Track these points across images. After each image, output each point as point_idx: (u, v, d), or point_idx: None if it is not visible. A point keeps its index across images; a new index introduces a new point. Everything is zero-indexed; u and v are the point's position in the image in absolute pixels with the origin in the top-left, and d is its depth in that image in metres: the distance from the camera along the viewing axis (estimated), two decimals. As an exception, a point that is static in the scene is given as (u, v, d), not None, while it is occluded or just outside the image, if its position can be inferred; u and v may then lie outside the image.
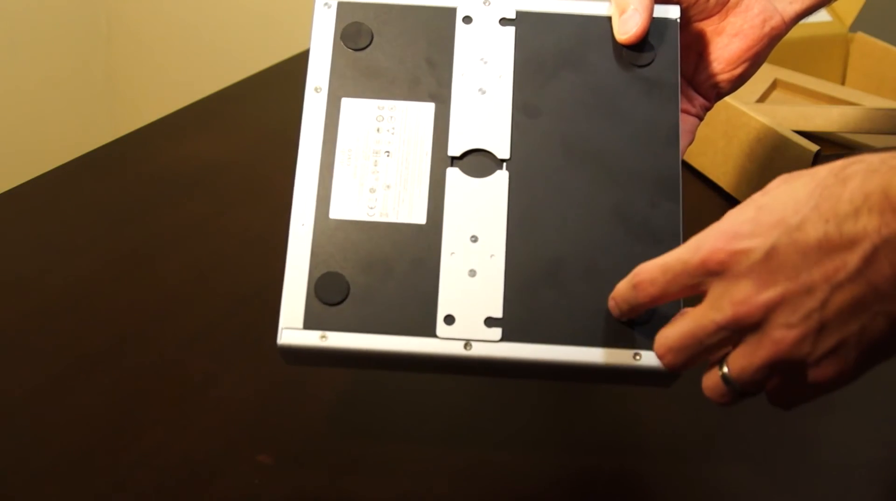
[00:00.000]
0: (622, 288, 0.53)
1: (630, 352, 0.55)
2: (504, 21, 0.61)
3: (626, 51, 0.61)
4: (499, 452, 0.64)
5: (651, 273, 0.50)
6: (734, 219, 0.48)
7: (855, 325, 0.45)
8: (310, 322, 0.55)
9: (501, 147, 0.59)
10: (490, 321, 0.56)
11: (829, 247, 0.45)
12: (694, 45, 0.65)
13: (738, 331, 0.47)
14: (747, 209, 0.48)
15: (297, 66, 1.20)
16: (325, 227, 0.57)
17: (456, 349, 0.55)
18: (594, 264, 0.57)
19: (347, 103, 0.60)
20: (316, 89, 0.60)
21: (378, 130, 0.59)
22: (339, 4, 0.61)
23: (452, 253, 0.57)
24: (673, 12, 0.62)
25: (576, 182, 0.58)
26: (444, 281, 0.56)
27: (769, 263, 0.46)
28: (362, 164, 0.58)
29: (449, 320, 0.56)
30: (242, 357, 0.71)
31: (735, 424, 0.67)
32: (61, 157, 0.98)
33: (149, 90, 2.07)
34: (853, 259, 0.44)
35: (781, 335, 0.46)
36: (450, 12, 0.61)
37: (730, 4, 0.64)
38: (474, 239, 0.57)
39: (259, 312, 0.74)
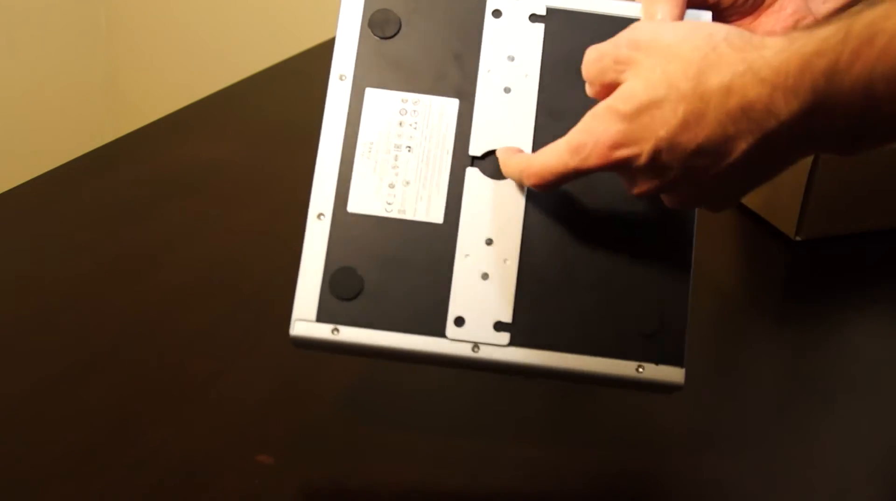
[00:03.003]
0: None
1: (633, 364, 0.56)
2: (534, 17, 0.60)
3: None
4: (505, 445, 0.64)
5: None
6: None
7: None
8: (323, 316, 0.56)
9: (523, 149, 0.59)
10: (499, 326, 0.56)
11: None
12: None
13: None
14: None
15: (297, 65, 1.20)
16: (342, 221, 0.57)
17: (464, 350, 0.56)
18: (604, 273, 0.57)
19: (371, 94, 0.59)
20: (341, 77, 0.59)
21: (401, 124, 0.59)
22: None
23: (467, 255, 0.57)
24: (704, 17, 0.61)
25: (592, 189, 0.58)
26: (456, 283, 0.57)
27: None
28: (383, 158, 0.58)
29: (459, 322, 0.56)
30: (242, 357, 0.71)
31: (737, 421, 0.67)
32: (61, 157, 0.97)
33: (149, 90, 2.07)
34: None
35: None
36: (479, 4, 0.60)
37: (764, 5, 0.63)
38: (489, 242, 0.57)
39: (259, 311, 0.74)
